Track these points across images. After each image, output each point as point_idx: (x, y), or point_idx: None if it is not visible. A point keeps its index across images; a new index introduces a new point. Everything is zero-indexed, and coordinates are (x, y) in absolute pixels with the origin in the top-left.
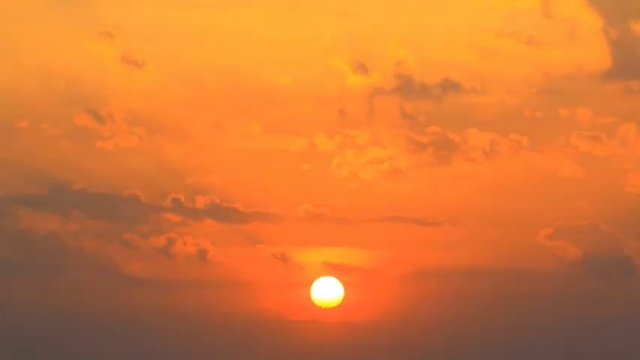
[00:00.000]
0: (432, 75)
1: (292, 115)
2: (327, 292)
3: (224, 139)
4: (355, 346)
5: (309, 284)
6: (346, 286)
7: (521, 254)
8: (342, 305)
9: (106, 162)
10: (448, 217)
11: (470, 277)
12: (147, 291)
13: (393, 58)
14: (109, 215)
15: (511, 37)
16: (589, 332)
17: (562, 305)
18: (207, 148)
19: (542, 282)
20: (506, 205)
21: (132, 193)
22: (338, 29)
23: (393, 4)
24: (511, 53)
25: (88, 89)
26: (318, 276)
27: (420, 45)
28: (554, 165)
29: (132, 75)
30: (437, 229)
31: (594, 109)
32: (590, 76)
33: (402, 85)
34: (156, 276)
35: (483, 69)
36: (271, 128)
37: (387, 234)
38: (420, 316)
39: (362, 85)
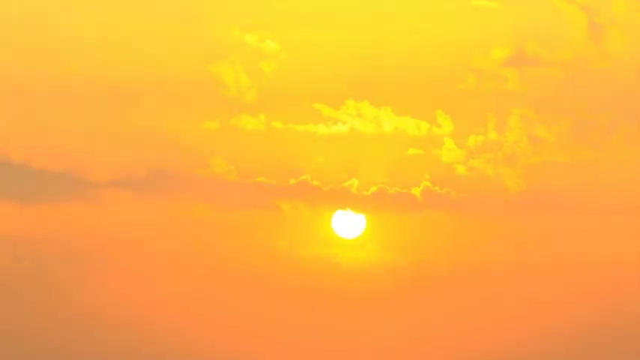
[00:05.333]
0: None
1: (409, 97)
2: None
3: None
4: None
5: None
6: (461, 284)
7: None
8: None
9: (211, 144)
10: (571, 208)
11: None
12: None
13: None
14: (216, 199)
15: None
16: None
17: None
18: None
19: None
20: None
21: (245, 177)
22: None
23: None
24: None
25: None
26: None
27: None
28: None
29: (257, 60)
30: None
31: None
32: None
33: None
34: (265, 266)
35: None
36: (389, 109)
37: (505, 225)
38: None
39: (483, 65)
